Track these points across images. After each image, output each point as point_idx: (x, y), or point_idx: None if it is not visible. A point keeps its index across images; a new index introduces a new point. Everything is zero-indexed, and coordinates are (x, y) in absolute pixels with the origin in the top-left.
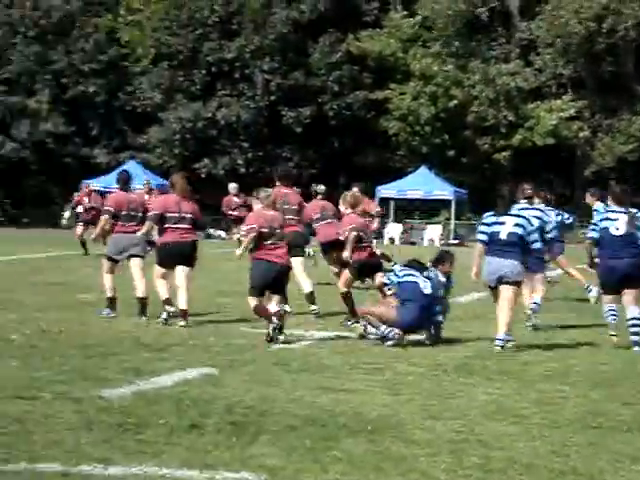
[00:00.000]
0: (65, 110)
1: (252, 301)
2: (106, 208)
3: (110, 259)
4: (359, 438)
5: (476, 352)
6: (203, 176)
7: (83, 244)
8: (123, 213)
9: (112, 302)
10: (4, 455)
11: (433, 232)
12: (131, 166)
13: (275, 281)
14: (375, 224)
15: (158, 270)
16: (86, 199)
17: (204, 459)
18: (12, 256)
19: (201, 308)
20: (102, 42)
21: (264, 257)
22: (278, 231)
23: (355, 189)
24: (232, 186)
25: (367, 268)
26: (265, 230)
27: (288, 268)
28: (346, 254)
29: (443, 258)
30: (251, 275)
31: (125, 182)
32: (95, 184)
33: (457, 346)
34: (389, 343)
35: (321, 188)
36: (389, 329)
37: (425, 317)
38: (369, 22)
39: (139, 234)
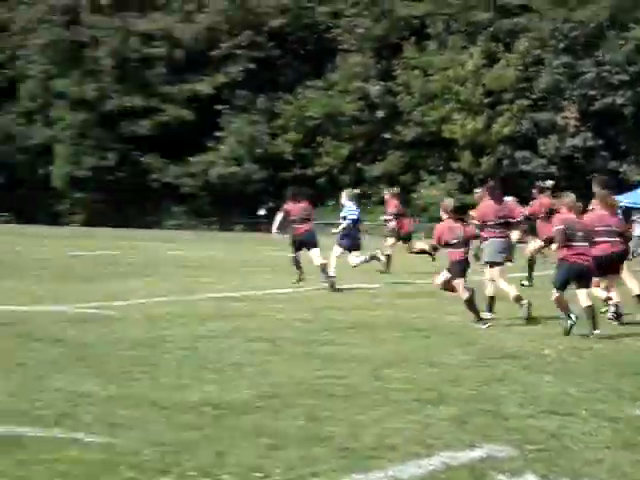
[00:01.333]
0: (592, 124)
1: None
2: (473, 221)
3: (493, 264)
4: None
5: None
6: None
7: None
8: (490, 222)
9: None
10: (543, 471)
11: None
12: None
13: (578, 278)
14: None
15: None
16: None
17: None
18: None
19: None
20: (631, 53)
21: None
22: (580, 234)
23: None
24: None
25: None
26: (568, 232)
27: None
28: None
29: None
30: (556, 272)
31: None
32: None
33: None
34: None
35: (548, 183)
36: None
37: None
38: None
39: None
